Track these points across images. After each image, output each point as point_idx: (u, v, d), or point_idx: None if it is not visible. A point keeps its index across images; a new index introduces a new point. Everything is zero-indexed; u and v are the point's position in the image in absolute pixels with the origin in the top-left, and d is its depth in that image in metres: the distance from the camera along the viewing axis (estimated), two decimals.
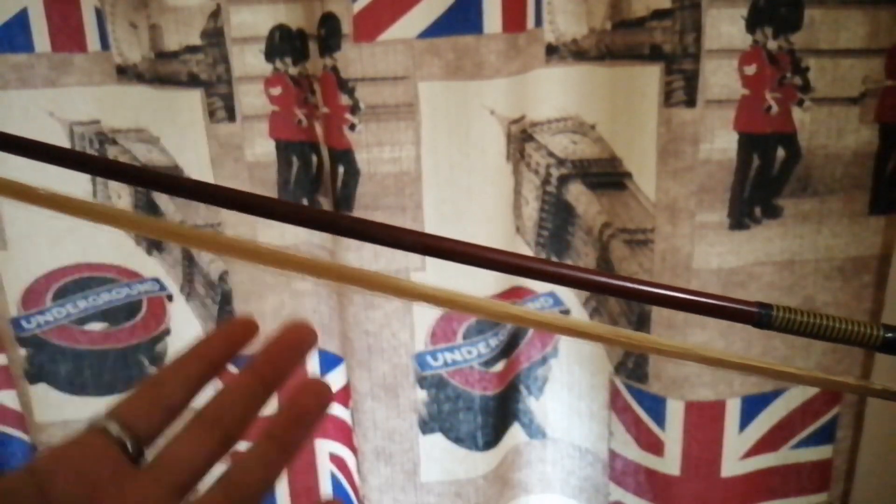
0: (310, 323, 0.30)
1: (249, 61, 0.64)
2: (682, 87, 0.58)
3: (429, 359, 0.69)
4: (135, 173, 0.29)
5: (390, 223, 0.68)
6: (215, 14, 0.62)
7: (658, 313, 0.63)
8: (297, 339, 0.29)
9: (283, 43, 0.64)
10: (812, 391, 0.66)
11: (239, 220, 0.68)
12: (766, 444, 0.67)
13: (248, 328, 0.29)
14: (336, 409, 0.75)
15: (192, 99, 0.64)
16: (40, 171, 0.67)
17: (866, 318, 0.63)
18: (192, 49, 0.63)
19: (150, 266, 0.73)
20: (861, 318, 0.63)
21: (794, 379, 0.30)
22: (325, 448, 0.77)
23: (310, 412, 0.28)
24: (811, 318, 0.29)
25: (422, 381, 0.69)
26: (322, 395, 0.29)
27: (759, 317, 0.28)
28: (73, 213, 0.29)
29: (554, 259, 0.69)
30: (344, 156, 0.62)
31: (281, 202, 0.30)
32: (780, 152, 0.60)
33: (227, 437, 0.26)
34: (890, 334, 0.29)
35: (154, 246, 0.72)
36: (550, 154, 0.65)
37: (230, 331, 0.29)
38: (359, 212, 0.64)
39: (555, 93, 0.63)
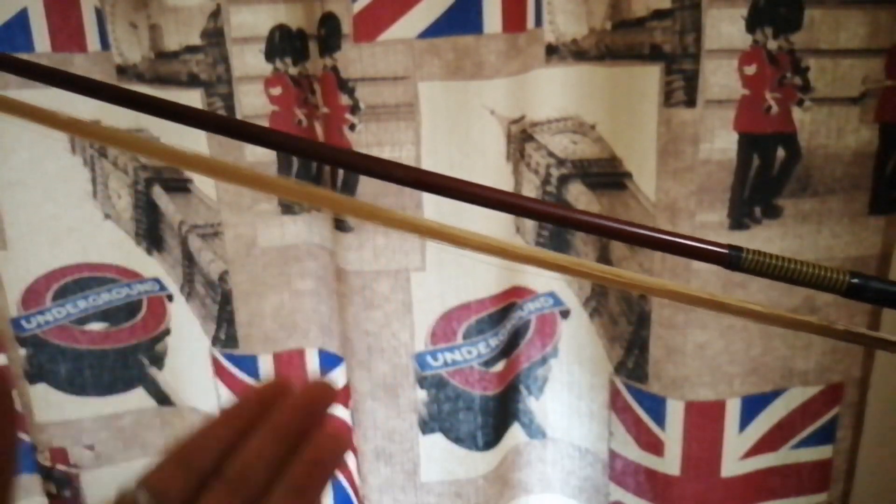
0: (330, 382, 0.30)
1: (249, 61, 0.64)
2: (682, 87, 0.58)
3: (429, 359, 0.69)
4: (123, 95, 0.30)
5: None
6: (215, 14, 0.62)
7: (658, 313, 0.63)
8: (319, 399, 0.30)
9: (283, 43, 0.64)
10: (812, 391, 0.66)
11: (239, 220, 0.68)
12: (766, 444, 0.67)
13: (279, 391, 0.29)
14: (336, 410, 0.75)
15: (192, 99, 0.64)
16: (39, 165, 0.67)
17: (866, 319, 0.64)
18: (192, 49, 0.63)
19: (150, 266, 0.73)
20: (861, 317, 0.63)
21: (759, 318, 0.31)
22: None
23: (329, 463, 0.28)
24: (780, 262, 0.30)
25: (422, 381, 0.69)
26: (340, 444, 0.29)
27: (730, 258, 0.30)
28: (62, 129, 0.29)
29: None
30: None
31: (272, 131, 0.30)
32: (780, 152, 0.60)
33: (251, 501, 0.27)
34: (856, 280, 0.30)
35: (154, 246, 0.72)
36: (550, 154, 0.65)
37: (261, 396, 0.29)
38: None
39: (555, 93, 0.63)
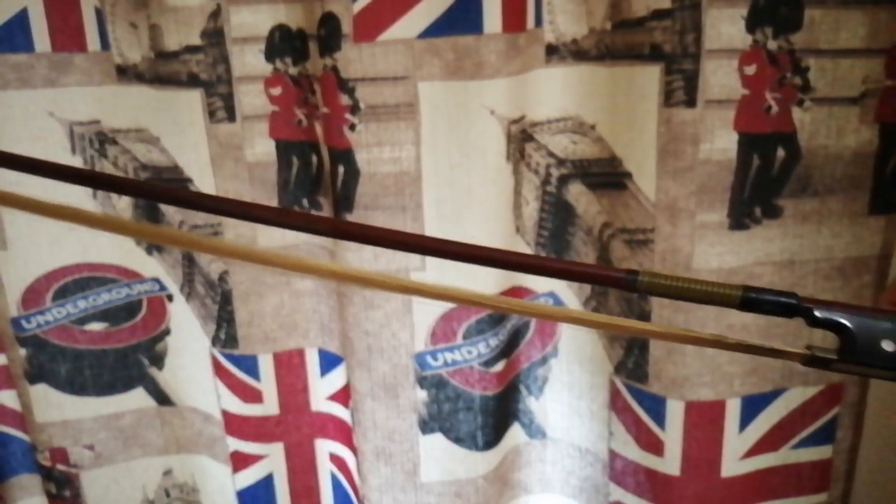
0: None
1: (249, 61, 0.64)
2: (682, 87, 0.58)
3: (429, 359, 0.69)
4: (135, 186, 0.30)
5: (390, 223, 0.68)
6: (215, 14, 0.62)
7: (658, 314, 0.63)
8: None
9: (283, 43, 0.64)
10: (812, 391, 0.66)
11: (239, 220, 0.68)
12: (766, 444, 0.67)
13: None
14: (336, 409, 0.75)
15: (192, 99, 0.64)
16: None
17: None
18: (192, 49, 0.63)
19: (150, 266, 0.73)
20: None
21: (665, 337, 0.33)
22: (325, 448, 0.77)
23: None
24: (674, 282, 0.31)
25: (422, 381, 0.69)
26: None
27: (627, 281, 0.31)
28: (76, 222, 0.29)
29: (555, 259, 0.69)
30: (344, 156, 0.63)
31: (282, 211, 0.31)
32: (780, 152, 0.60)
33: None
34: (751, 294, 0.31)
35: (154, 246, 0.72)
36: (550, 154, 0.65)
37: None
38: (359, 212, 0.64)
39: (555, 93, 0.63)
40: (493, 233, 0.66)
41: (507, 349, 0.70)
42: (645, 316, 0.64)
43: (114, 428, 0.76)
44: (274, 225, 0.31)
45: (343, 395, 0.73)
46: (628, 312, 0.66)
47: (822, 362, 0.31)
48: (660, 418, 0.66)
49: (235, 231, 0.68)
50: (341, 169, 0.63)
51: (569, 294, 0.70)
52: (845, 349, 0.31)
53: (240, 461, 0.76)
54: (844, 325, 0.31)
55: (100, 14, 0.64)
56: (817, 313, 0.31)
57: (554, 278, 0.32)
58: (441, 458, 0.72)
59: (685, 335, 0.33)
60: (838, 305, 0.31)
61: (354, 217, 0.64)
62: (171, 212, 0.70)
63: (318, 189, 0.68)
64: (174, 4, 0.62)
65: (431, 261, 0.66)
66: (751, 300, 0.31)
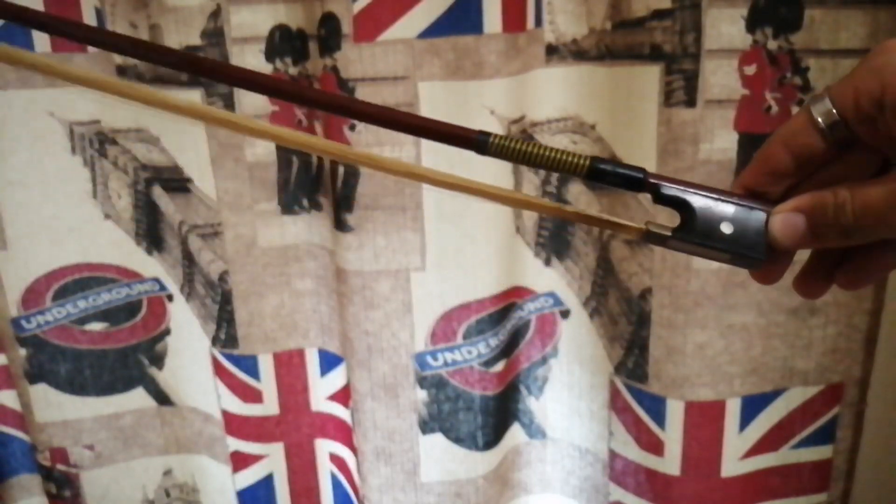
0: None
1: (249, 61, 0.64)
2: (682, 87, 0.58)
3: (429, 359, 0.69)
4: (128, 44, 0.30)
5: (390, 223, 0.68)
6: (215, 14, 0.62)
7: (658, 314, 0.63)
8: None
9: (283, 43, 0.64)
10: (812, 391, 0.66)
11: (239, 220, 0.68)
12: (766, 444, 0.67)
13: None
14: (336, 409, 0.75)
15: (193, 98, 0.64)
16: (39, 166, 0.67)
17: (866, 319, 0.64)
18: (191, 49, 0.63)
19: (150, 266, 0.73)
20: (861, 316, 0.63)
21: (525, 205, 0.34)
22: (325, 448, 0.77)
23: None
24: (524, 146, 0.32)
25: (422, 381, 0.69)
26: None
27: (478, 142, 0.32)
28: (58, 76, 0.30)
29: (555, 260, 0.69)
30: None
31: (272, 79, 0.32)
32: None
33: None
34: (599, 164, 0.31)
35: (154, 246, 0.72)
36: None
37: None
38: (359, 211, 0.64)
39: (555, 93, 0.63)
40: (493, 232, 0.66)
41: (507, 349, 0.70)
42: (645, 316, 0.64)
43: (114, 428, 0.76)
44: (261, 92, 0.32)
45: (343, 395, 0.73)
46: (628, 312, 0.66)
47: (657, 238, 0.31)
48: (660, 418, 0.66)
49: (235, 231, 0.68)
50: (341, 169, 0.63)
51: (569, 294, 0.70)
52: (683, 226, 0.31)
53: (240, 461, 0.76)
54: (688, 204, 0.31)
55: (100, 14, 0.64)
56: (663, 190, 0.31)
57: (407, 134, 0.33)
58: (441, 458, 0.72)
59: (527, 201, 0.34)
60: (685, 183, 0.31)
61: (354, 217, 0.64)
62: (170, 211, 0.70)
63: (318, 189, 0.68)
64: (174, 4, 0.62)
65: (431, 260, 0.66)
66: (598, 170, 0.31)
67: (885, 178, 0.28)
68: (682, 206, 0.31)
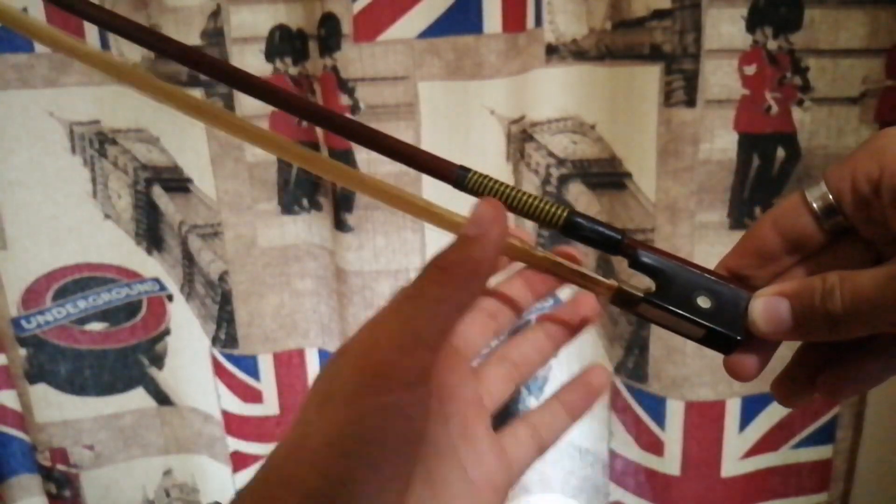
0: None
1: (249, 61, 0.64)
2: (682, 87, 0.58)
3: None
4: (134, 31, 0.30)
5: (390, 222, 0.68)
6: (215, 14, 0.62)
7: (655, 335, 0.63)
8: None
9: (283, 43, 0.64)
10: (871, 388, 0.66)
11: (239, 220, 0.68)
12: (767, 443, 0.67)
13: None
14: None
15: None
16: (39, 166, 0.67)
17: None
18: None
19: (150, 266, 0.73)
20: None
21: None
22: None
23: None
24: (502, 187, 0.30)
25: None
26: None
27: (456, 176, 0.31)
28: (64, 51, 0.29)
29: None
30: (344, 156, 0.62)
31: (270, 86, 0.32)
32: (780, 152, 0.60)
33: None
34: (577, 218, 0.30)
35: (154, 246, 0.72)
36: (550, 154, 0.65)
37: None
38: (359, 211, 0.64)
39: (555, 93, 0.63)
40: None
41: None
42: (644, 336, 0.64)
43: (114, 428, 0.76)
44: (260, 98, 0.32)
45: None
46: (635, 323, 0.66)
47: (627, 299, 0.29)
48: (660, 418, 0.66)
49: (235, 231, 0.68)
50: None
51: (569, 294, 0.69)
52: (658, 292, 0.29)
53: (240, 461, 0.76)
54: (664, 272, 0.29)
55: None
56: (641, 257, 0.30)
57: (391, 158, 0.32)
58: None
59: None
60: (665, 254, 0.30)
61: (354, 217, 0.64)
62: (170, 211, 0.70)
63: (318, 189, 0.68)
64: (174, 4, 0.62)
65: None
66: (575, 224, 0.30)
67: (879, 267, 0.25)
68: (658, 274, 0.30)
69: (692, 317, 0.28)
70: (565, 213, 0.30)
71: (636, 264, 0.30)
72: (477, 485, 0.29)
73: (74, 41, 0.30)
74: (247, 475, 0.77)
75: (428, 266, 0.27)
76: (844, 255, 0.29)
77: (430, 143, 0.62)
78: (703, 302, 0.29)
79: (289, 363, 0.73)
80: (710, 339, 0.29)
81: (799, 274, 0.29)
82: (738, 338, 0.28)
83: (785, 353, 0.31)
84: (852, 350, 0.28)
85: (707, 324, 0.28)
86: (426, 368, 0.25)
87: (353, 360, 0.25)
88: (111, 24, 0.30)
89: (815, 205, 0.28)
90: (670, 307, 0.29)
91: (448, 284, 0.26)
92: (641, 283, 0.30)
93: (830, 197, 0.28)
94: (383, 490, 0.24)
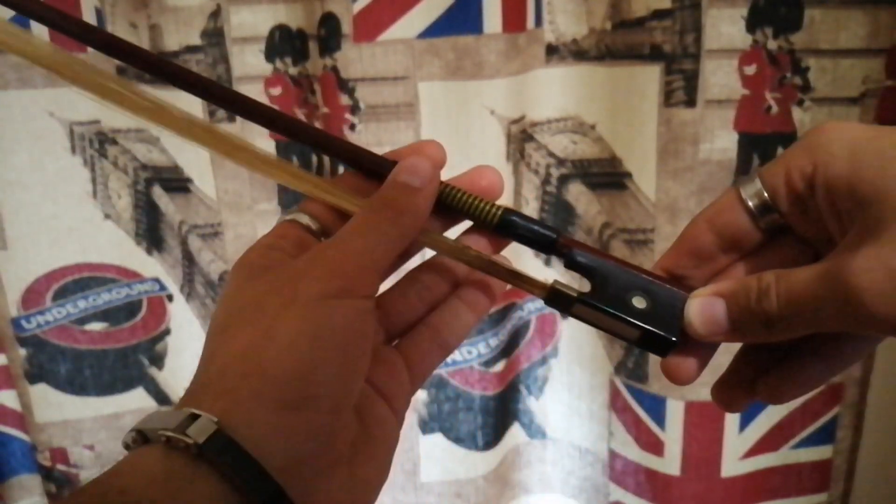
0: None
1: (249, 61, 0.64)
2: (682, 87, 0.58)
3: None
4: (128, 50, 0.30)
5: None
6: (215, 14, 0.62)
7: None
8: None
9: (283, 43, 0.64)
10: (812, 391, 0.66)
11: (239, 220, 0.68)
12: (767, 444, 0.67)
13: None
14: None
15: (192, 98, 0.64)
16: (39, 165, 0.67)
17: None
18: (192, 49, 0.63)
19: (150, 266, 0.73)
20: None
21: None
22: None
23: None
24: (442, 188, 0.30)
25: None
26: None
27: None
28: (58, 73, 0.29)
29: (554, 260, 0.69)
30: None
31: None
32: (780, 152, 0.60)
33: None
34: (512, 217, 0.30)
35: (154, 246, 0.72)
36: (550, 154, 0.65)
37: None
38: None
39: (555, 93, 0.63)
40: None
41: (507, 349, 0.70)
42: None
43: (114, 428, 0.76)
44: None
45: None
46: None
47: (562, 299, 0.29)
48: (660, 418, 0.66)
49: (235, 231, 0.68)
50: (341, 169, 0.63)
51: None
52: (593, 292, 0.29)
53: None
54: (600, 272, 0.29)
55: (100, 14, 0.64)
56: (576, 256, 0.29)
57: (336, 158, 0.33)
58: (441, 457, 0.72)
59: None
60: (601, 253, 0.30)
61: None
62: (170, 211, 0.70)
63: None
64: (174, 4, 0.62)
65: None
66: (510, 223, 0.30)
67: (813, 265, 0.25)
68: (594, 274, 0.29)
69: (626, 317, 0.28)
70: (500, 212, 0.30)
71: (572, 264, 0.30)
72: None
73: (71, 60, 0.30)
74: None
75: (375, 202, 0.29)
76: (783, 254, 0.28)
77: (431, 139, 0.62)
78: (639, 302, 0.28)
79: None
80: (645, 341, 0.28)
81: (737, 273, 0.29)
82: (674, 339, 0.28)
83: (724, 360, 0.30)
84: (792, 352, 0.28)
85: (642, 325, 0.28)
86: (376, 288, 0.27)
87: (316, 273, 0.26)
88: (90, 38, 0.30)
89: (749, 202, 0.28)
90: (604, 307, 0.28)
91: (395, 222, 0.28)
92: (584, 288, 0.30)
93: (765, 194, 0.27)
94: (354, 375, 0.26)
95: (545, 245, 0.30)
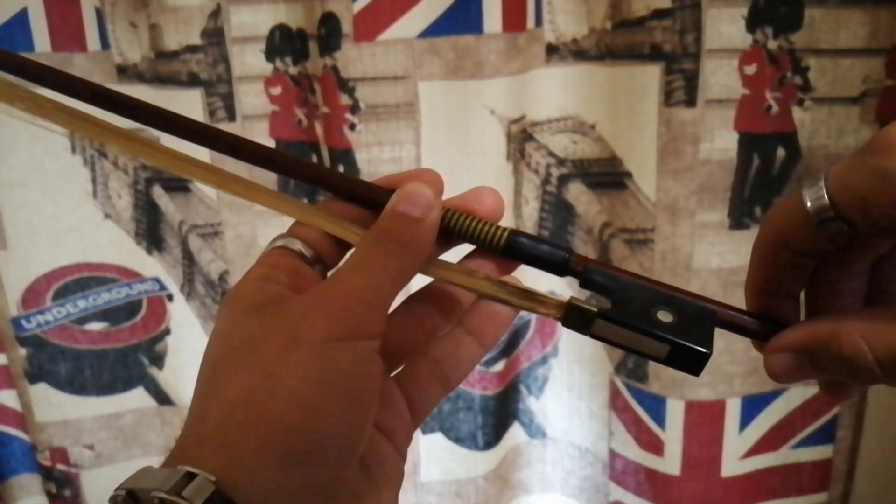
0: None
1: (249, 61, 0.64)
2: (682, 86, 0.58)
3: None
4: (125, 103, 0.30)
5: None
6: (215, 14, 0.62)
7: None
8: None
9: (284, 43, 0.64)
10: (812, 391, 0.66)
11: (239, 220, 0.68)
12: (767, 443, 0.67)
13: None
14: None
15: (192, 99, 0.64)
16: (39, 165, 0.67)
17: None
18: (192, 49, 0.63)
19: (150, 266, 0.73)
20: None
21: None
22: None
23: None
24: (443, 212, 0.29)
25: None
26: None
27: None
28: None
29: None
30: (344, 155, 0.63)
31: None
32: (780, 152, 0.60)
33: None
34: (520, 238, 0.28)
35: (154, 246, 0.72)
36: (550, 154, 0.65)
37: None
38: None
39: (555, 92, 0.63)
40: None
41: (507, 349, 0.70)
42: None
43: (114, 428, 0.76)
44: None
45: None
46: None
47: (580, 316, 0.27)
48: (660, 418, 0.66)
49: (235, 231, 0.68)
50: (341, 169, 0.63)
51: (569, 294, 0.70)
52: (614, 308, 0.27)
53: None
54: (620, 289, 0.27)
55: (100, 14, 0.64)
56: (594, 274, 0.28)
57: (325, 189, 0.32)
58: (441, 457, 0.72)
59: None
60: (619, 270, 0.28)
61: None
62: (170, 211, 0.70)
63: (318, 189, 0.68)
64: (174, 4, 0.62)
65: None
66: (517, 244, 0.28)
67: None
68: (613, 292, 0.27)
69: (654, 331, 0.26)
70: (506, 233, 0.28)
71: (588, 283, 0.28)
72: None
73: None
74: None
75: (375, 235, 0.27)
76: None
77: (430, 142, 0.62)
78: (665, 316, 0.26)
79: None
80: (676, 357, 0.26)
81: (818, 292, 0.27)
82: (707, 352, 0.26)
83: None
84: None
85: (672, 338, 0.26)
86: (383, 327, 0.26)
87: (320, 313, 0.25)
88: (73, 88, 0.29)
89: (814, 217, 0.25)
90: (629, 322, 0.26)
91: (399, 255, 0.26)
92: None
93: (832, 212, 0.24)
94: (363, 423, 0.25)
95: (557, 265, 0.28)
